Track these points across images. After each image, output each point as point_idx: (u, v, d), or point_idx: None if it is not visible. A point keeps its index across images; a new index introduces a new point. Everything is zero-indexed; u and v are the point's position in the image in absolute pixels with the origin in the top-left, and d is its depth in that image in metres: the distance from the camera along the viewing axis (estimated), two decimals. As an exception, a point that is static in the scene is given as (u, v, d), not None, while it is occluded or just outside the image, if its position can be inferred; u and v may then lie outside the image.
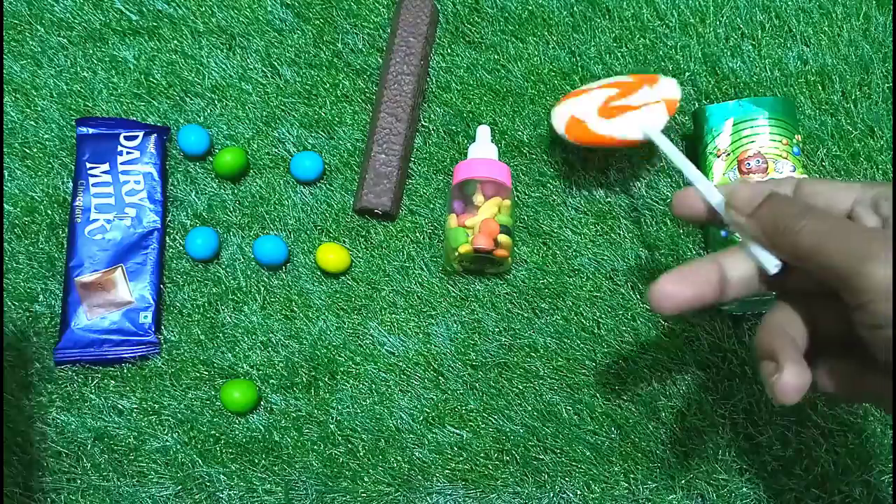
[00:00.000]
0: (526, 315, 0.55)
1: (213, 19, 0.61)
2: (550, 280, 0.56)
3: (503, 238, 0.53)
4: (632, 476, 0.52)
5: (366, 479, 0.52)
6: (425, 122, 0.59)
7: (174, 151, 0.58)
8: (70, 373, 0.54)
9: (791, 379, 0.31)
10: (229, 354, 0.55)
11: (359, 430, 0.53)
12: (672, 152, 0.46)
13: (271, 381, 0.54)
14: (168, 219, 0.57)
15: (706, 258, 0.34)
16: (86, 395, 0.54)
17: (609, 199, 0.57)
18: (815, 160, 0.58)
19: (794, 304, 0.34)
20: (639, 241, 0.57)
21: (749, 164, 0.53)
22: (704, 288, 0.33)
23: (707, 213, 0.37)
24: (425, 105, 0.59)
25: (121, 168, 0.56)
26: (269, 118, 0.59)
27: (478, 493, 0.52)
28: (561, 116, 0.54)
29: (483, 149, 0.56)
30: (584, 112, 0.53)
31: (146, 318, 0.54)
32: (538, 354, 0.54)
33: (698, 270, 0.34)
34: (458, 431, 0.53)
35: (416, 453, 0.53)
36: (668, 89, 0.53)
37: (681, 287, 0.33)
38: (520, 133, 0.59)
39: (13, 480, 0.52)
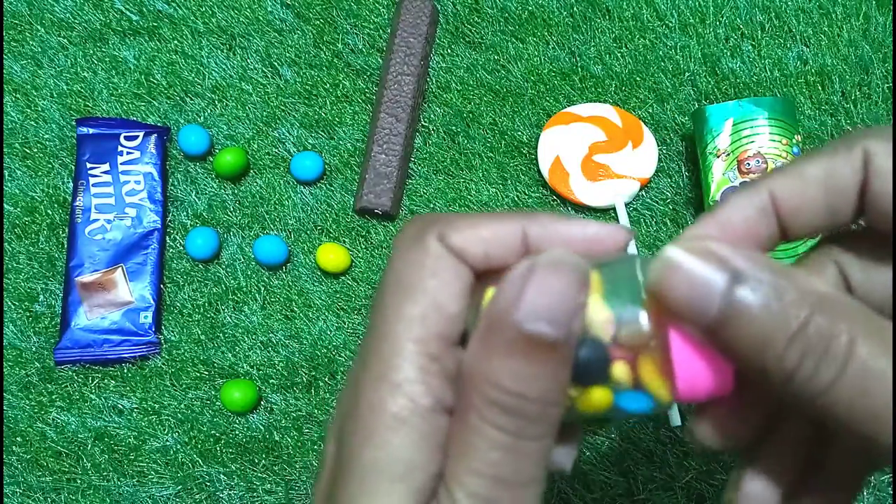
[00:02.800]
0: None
1: (213, 19, 0.61)
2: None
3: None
4: (632, 476, 0.52)
5: (366, 479, 0.52)
6: (425, 122, 0.59)
7: (174, 151, 0.58)
8: (70, 373, 0.54)
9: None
10: (229, 354, 0.55)
11: (359, 430, 0.53)
12: (624, 222, 0.54)
13: (271, 381, 0.54)
14: (168, 219, 0.57)
15: None
16: (86, 395, 0.54)
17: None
18: (814, 160, 0.58)
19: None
20: (639, 241, 0.57)
21: (749, 164, 0.54)
22: None
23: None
24: (425, 105, 0.59)
25: (121, 168, 0.56)
26: (270, 118, 0.59)
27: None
28: (547, 151, 0.57)
29: None
30: (569, 159, 0.57)
31: (146, 318, 0.54)
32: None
33: None
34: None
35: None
36: (647, 160, 0.57)
37: None
38: (520, 133, 0.59)
39: (13, 480, 0.52)
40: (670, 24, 0.60)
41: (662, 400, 0.20)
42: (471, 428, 0.19)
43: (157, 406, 0.54)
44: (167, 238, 0.57)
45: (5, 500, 0.52)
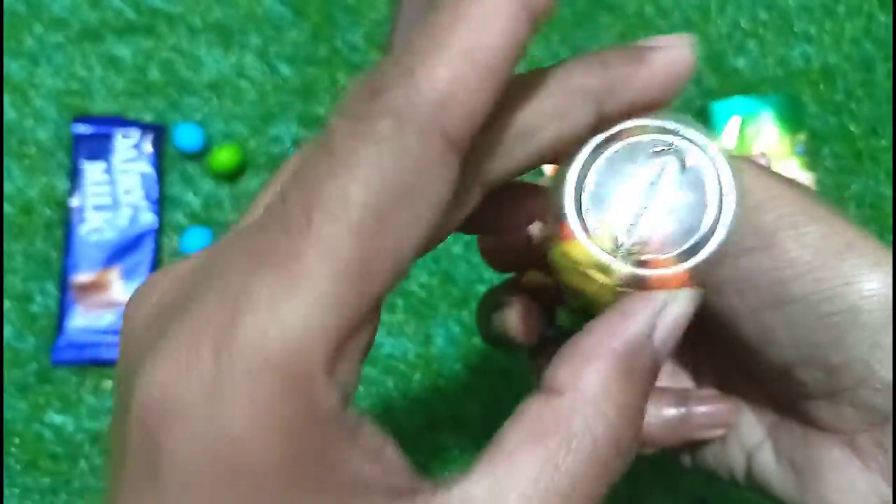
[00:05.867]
0: (526, 316, 0.55)
1: (210, 16, 0.60)
2: (551, 280, 0.55)
3: None
4: (633, 481, 0.52)
5: (364, 480, 0.52)
6: (425, 120, 0.59)
7: (170, 150, 0.58)
8: (67, 373, 0.54)
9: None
10: (227, 355, 0.54)
11: (357, 431, 0.53)
12: None
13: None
14: (164, 218, 0.57)
15: None
16: (82, 396, 0.53)
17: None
18: (818, 159, 0.57)
19: None
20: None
21: (752, 163, 0.53)
22: None
23: None
24: (425, 103, 0.59)
25: (118, 167, 0.56)
26: (267, 116, 0.58)
27: (477, 496, 0.52)
28: None
29: None
30: None
31: (143, 318, 0.54)
32: (538, 355, 0.54)
33: None
34: (457, 435, 0.53)
35: (415, 456, 0.53)
36: None
37: None
38: (520, 132, 0.58)
39: (11, 482, 0.52)
40: (673, 21, 0.60)
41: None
42: None
43: (154, 407, 0.53)
44: (163, 238, 0.56)
45: (4, 501, 0.52)
